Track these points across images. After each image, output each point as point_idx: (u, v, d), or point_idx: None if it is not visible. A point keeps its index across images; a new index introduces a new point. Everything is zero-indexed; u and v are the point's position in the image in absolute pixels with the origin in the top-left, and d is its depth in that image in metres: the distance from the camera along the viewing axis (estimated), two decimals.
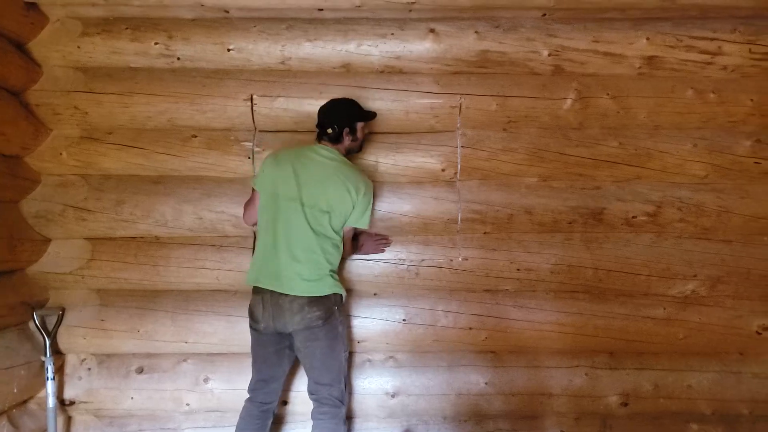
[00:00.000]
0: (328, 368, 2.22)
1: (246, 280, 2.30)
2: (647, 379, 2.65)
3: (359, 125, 2.34)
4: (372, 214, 2.36)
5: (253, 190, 2.30)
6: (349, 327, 2.58)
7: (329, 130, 2.27)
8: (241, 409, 2.29)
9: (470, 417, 2.65)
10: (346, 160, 2.31)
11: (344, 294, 2.30)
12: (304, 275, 2.17)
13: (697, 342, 2.65)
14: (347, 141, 2.31)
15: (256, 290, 2.22)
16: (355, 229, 2.37)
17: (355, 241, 2.45)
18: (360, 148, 2.43)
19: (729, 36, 2.52)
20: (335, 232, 2.24)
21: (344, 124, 2.28)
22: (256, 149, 2.55)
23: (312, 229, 2.18)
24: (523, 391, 2.64)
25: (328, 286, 2.21)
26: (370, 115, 2.39)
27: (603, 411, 2.66)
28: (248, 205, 2.35)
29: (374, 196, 2.39)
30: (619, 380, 2.65)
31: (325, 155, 2.26)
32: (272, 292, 2.17)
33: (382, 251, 2.58)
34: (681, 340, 2.64)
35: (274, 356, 2.26)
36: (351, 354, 2.62)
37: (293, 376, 2.57)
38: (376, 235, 2.57)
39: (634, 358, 2.66)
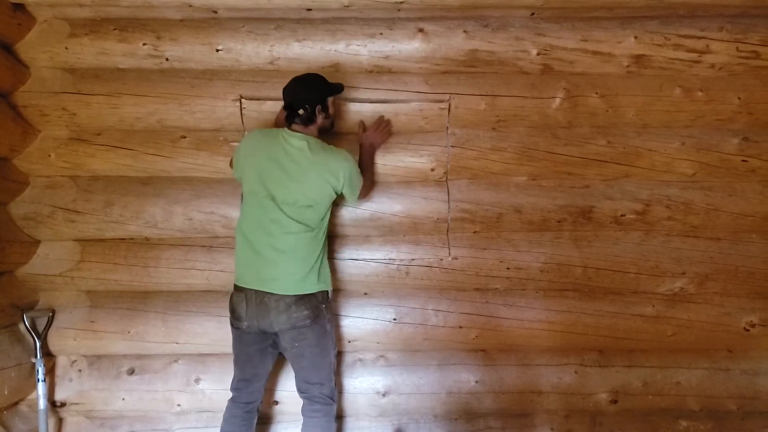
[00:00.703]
0: (318, 367, 2.20)
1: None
2: (636, 377, 2.67)
3: (329, 100, 2.23)
4: (359, 177, 2.28)
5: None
6: (337, 325, 2.57)
7: (300, 111, 2.13)
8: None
9: (461, 415, 2.66)
10: (318, 143, 2.18)
11: (330, 290, 2.26)
12: (289, 272, 2.11)
13: (685, 339, 2.66)
14: (320, 119, 2.20)
15: (239, 288, 2.16)
16: (360, 194, 2.32)
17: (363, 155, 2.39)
18: (332, 125, 2.35)
19: (716, 34, 2.53)
20: (318, 224, 2.19)
21: (315, 101, 2.15)
22: None
23: (295, 223, 2.11)
24: (513, 389, 2.65)
25: (314, 283, 2.16)
26: (338, 88, 2.28)
27: (593, 408, 2.67)
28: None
29: (356, 164, 2.28)
30: (608, 378, 2.66)
31: (298, 146, 2.13)
32: (256, 290, 2.11)
33: (390, 133, 2.51)
34: (670, 338, 2.65)
35: (258, 355, 2.21)
36: (341, 353, 2.63)
37: (281, 374, 2.58)
38: (374, 125, 2.46)
39: (624, 355, 2.68)
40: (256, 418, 2.30)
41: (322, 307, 2.18)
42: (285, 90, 2.20)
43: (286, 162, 2.12)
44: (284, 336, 2.15)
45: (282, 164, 2.12)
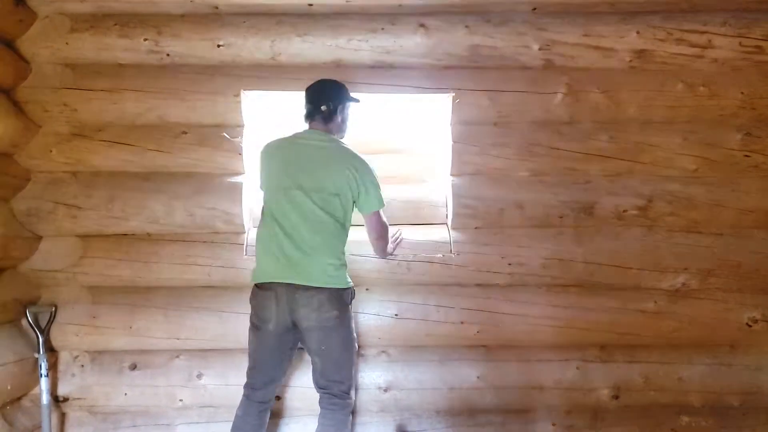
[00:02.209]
0: (340, 366, 2.17)
1: (252, 277, 2.18)
2: (638, 372, 2.66)
3: (348, 107, 2.28)
4: (380, 194, 2.21)
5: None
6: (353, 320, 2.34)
7: (323, 107, 2.19)
8: (237, 406, 2.22)
9: (462, 411, 2.66)
10: (338, 141, 2.23)
11: (354, 288, 2.23)
12: (321, 263, 2.09)
13: (687, 335, 2.66)
14: (338, 120, 2.23)
15: (265, 287, 2.11)
16: (378, 212, 2.23)
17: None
18: (344, 135, 2.32)
19: (719, 29, 2.52)
20: (344, 217, 2.16)
21: (338, 101, 2.22)
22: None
23: (325, 212, 2.10)
24: (514, 384, 2.65)
25: (344, 278, 2.15)
26: (356, 100, 2.33)
27: (594, 404, 2.67)
28: None
29: (377, 179, 2.22)
30: (610, 373, 2.66)
31: (319, 139, 2.18)
32: (288, 285, 2.06)
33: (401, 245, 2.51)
34: (672, 333, 2.65)
35: (280, 356, 2.19)
36: None
37: (289, 371, 2.57)
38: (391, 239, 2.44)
39: (625, 351, 2.68)
40: (269, 416, 2.26)
41: (348, 307, 2.17)
42: (309, 88, 2.25)
43: (311, 152, 2.16)
44: (311, 336, 2.11)
45: (307, 154, 2.15)
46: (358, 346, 2.25)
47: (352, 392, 2.23)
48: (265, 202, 2.21)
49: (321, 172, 2.12)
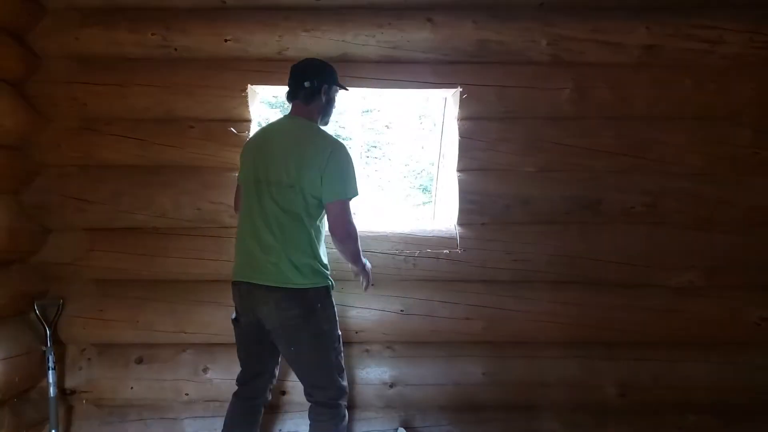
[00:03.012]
0: (319, 371, 2.06)
1: None
2: (645, 370, 2.65)
3: (335, 90, 2.16)
4: (353, 181, 2.00)
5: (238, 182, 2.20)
6: (336, 317, 2.14)
7: (306, 83, 2.04)
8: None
9: (467, 407, 2.66)
10: (314, 127, 2.06)
11: (331, 284, 2.07)
12: (277, 262, 1.95)
13: (695, 333, 2.64)
14: (322, 101, 2.09)
15: (234, 284, 2.08)
16: (342, 203, 1.98)
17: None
18: (327, 121, 2.20)
19: (729, 24, 2.50)
20: (310, 210, 1.98)
21: (323, 80, 2.08)
22: None
23: (281, 209, 1.95)
24: (520, 381, 2.65)
25: (304, 278, 1.97)
26: (344, 87, 2.21)
27: (600, 401, 2.66)
28: (235, 196, 2.29)
29: (351, 162, 2.02)
30: (616, 371, 2.65)
31: (291, 126, 2.06)
32: (246, 283, 2.00)
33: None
34: (679, 331, 2.63)
35: (259, 350, 2.12)
36: (349, 344, 2.63)
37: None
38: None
39: (632, 348, 2.66)
40: (262, 413, 2.21)
41: (316, 306, 1.99)
42: (294, 66, 2.13)
43: (280, 142, 2.02)
44: (278, 337, 2.02)
45: (275, 145, 2.01)
46: (342, 347, 2.12)
47: (342, 400, 2.09)
48: (242, 194, 2.11)
49: (283, 163, 1.95)
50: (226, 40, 2.50)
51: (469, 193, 2.59)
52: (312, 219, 2.00)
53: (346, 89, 2.25)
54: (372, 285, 2.32)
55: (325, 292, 2.05)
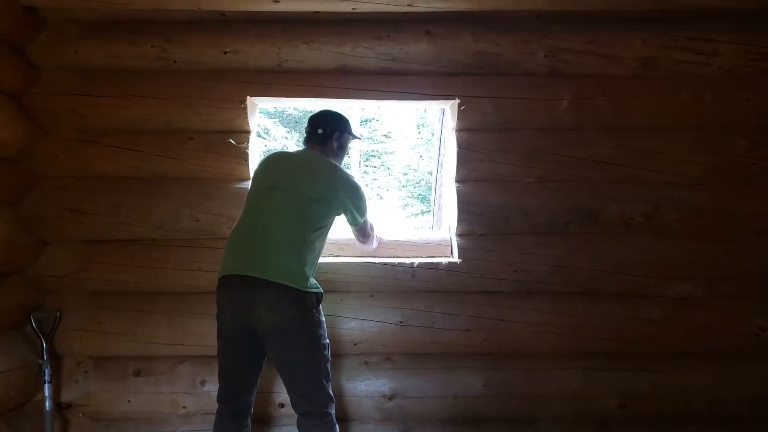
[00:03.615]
0: (309, 378, 2.04)
1: None
2: (645, 381, 2.64)
3: (346, 138, 2.38)
4: (367, 210, 2.35)
5: None
6: (324, 327, 2.15)
7: (320, 130, 2.30)
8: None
9: (467, 419, 2.64)
10: (330, 160, 2.31)
11: (322, 292, 2.12)
12: (281, 261, 1.99)
13: (695, 343, 2.64)
14: (335, 146, 2.33)
15: (222, 282, 2.05)
16: (365, 222, 2.39)
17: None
18: (340, 164, 2.37)
19: (725, 37, 2.52)
20: (319, 224, 2.14)
21: (335, 128, 2.33)
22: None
23: (296, 216, 2.09)
24: (520, 393, 2.63)
25: (305, 281, 2.02)
26: (357, 137, 2.47)
27: (600, 413, 2.65)
28: None
29: (364, 193, 2.33)
30: (616, 382, 2.64)
31: (309, 154, 2.31)
32: (240, 277, 1.98)
33: None
34: (679, 342, 2.63)
35: (241, 361, 2.08)
36: (348, 356, 2.62)
37: None
38: None
39: (632, 359, 2.65)
40: (249, 427, 2.17)
41: (312, 312, 2.03)
42: (312, 115, 2.38)
43: (300, 158, 2.29)
44: (271, 341, 2.00)
45: (297, 163, 2.27)
46: (330, 357, 2.11)
47: (331, 408, 2.07)
48: (247, 200, 2.23)
49: (306, 178, 2.17)
50: (225, 52, 2.51)
51: (468, 204, 2.59)
52: (322, 233, 2.16)
53: (359, 138, 2.45)
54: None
55: (317, 299, 2.09)
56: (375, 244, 2.58)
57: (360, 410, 2.64)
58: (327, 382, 2.08)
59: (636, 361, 2.66)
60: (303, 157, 2.30)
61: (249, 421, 2.18)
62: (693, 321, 2.62)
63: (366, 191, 2.38)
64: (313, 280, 2.10)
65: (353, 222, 2.34)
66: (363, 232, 2.43)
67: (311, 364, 2.04)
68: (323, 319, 2.12)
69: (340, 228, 2.42)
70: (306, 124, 2.38)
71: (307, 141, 2.35)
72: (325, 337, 2.10)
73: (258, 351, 2.08)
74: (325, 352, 2.09)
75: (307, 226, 2.10)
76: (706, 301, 2.63)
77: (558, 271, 2.60)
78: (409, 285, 2.60)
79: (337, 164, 2.32)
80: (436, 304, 2.62)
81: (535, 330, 2.61)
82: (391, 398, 2.64)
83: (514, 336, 2.61)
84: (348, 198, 2.23)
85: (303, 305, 2.01)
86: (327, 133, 2.30)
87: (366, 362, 2.65)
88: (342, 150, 2.39)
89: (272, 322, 1.97)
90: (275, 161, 2.31)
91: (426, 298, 2.62)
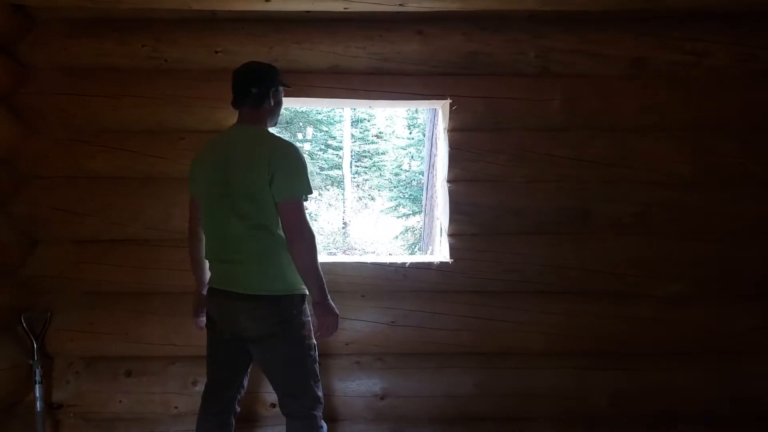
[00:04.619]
0: (293, 379, 2.00)
1: None
2: (635, 380, 2.66)
3: (281, 91, 2.09)
4: (305, 179, 1.92)
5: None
6: (311, 325, 2.05)
7: (254, 89, 1.98)
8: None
9: (458, 419, 2.65)
10: (262, 132, 2.01)
11: (304, 293, 1.98)
12: (247, 273, 1.92)
13: (684, 342, 2.65)
14: (271, 104, 2.02)
15: (209, 292, 2.05)
16: (293, 200, 1.88)
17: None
18: (276, 122, 2.13)
19: (715, 37, 2.53)
20: (273, 217, 1.91)
21: (270, 83, 2.01)
22: None
23: (244, 221, 1.90)
24: (511, 392, 2.64)
25: (279, 285, 1.93)
26: (287, 84, 2.13)
27: (590, 412, 2.66)
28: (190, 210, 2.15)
29: (301, 160, 1.95)
30: (607, 381, 2.65)
31: (240, 136, 1.99)
32: (222, 291, 1.96)
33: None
34: (668, 341, 2.64)
35: (231, 358, 2.07)
36: (340, 356, 2.63)
37: None
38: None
39: (622, 358, 2.67)
40: (233, 428, 2.13)
41: (292, 313, 1.95)
42: (237, 70, 2.05)
43: (230, 155, 1.95)
44: (255, 347, 1.99)
45: (226, 158, 1.95)
46: (318, 357, 2.05)
47: (317, 411, 2.02)
48: (202, 208, 2.06)
49: (238, 175, 1.91)
50: (216, 52, 2.51)
51: (460, 204, 2.60)
52: (278, 226, 1.93)
53: (290, 87, 2.17)
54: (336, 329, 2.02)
55: (300, 299, 1.99)
56: (307, 255, 1.90)
57: (351, 410, 2.65)
58: (315, 383, 2.02)
59: (626, 360, 2.67)
60: (233, 147, 1.96)
61: (232, 420, 2.15)
62: (682, 320, 2.64)
63: (304, 162, 1.95)
64: (290, 278, 1.95)
65: (280, 192, 1.87)
66: (294, 214, 1.88)
67: (296, 366, 1.99)
68: (307, 319, 2.01)
69: None
70: (232, 82, 2.02)
71: (239, 103, 2.01)
72: (310, 337, 2.02)
73: (244, 352, 2.05)
74: (312, 353, 2.01)
75: (265, 227, 1.92)
76: (695, 301, 2.65)
77: (549, 270, 2.61)
78: (400, 285, 2.61)
79: (269, 136, 2.01)
80: (428, 304, 2.62)
81: (525, 329, 2.62)
82: (382, 398, 2.65)
83: (505, 335, 2.62)
84: (277, 166, 1.87)
85: (282, 310, 1.94)
86: (262, 91, 1.99)
87: (357, 362, 2.66)
88: (279, 105, 2.08)
89: (255, 330, 1.94)
90: (207, 161, 2.02)
91: (417, 298, 2.63)
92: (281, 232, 1.93)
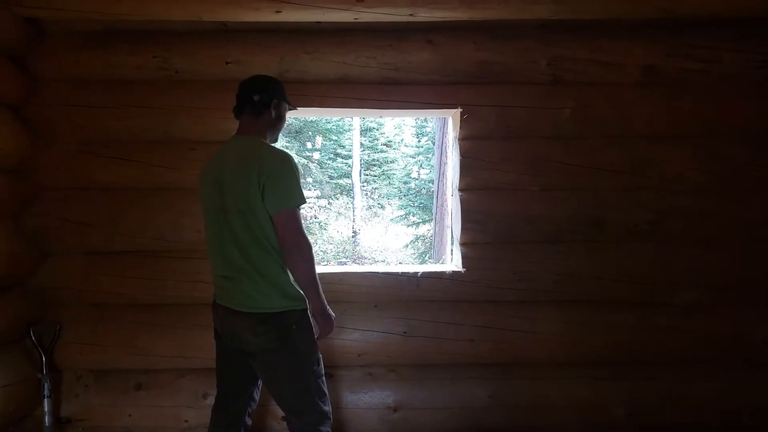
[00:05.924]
0: (296, 395, 1.96)
1: None
2: (652, 390, 2.62)
3: (285, 107, 2.06)
4: (297, 189, 1.87)
5: None
6: (315, 340, 2.00)
7: (255, 97, 1.95)
8: None
9: (473, 431, 2.61)
10: (258, 141, 1.95)
11: (305, 307, 1.94)
12: (247, 289, 1.89)
13: (702, 351, 2.62)
14: (272, 114, 1.99)
15: (214, 307, 2.05)
16: (288, 212, 1.85)
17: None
18: (277, 138, 2.09)
19: (727, 44, 2.54)
20: (265, 233, 1.87)
21: (273, 95, 1.99)
22: None
23: (242, 236, 1.87)
24: (526, 403, 2.61)
25: (279, 300, 1.89)
26: (292, 104, 2.11)
27: (608, 422, 2.62)
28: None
29: (293, 170, 1.88)
30: (623, 391, 2.62)
31: (237, 146, 1.95)
32: (224, 307, 1.96)
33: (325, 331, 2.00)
34: (686, 350, 2.61)
35: (238, 369, 2.03)
36: (352, 368, 2.59)
37: None
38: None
39: (639, 368, 2.64)
40: None
41: (292, 329, 1.90)
42: (244, 80, 2.03)
43: (228, 168, 1.92)
44: (256, 361, 1.96)
45: (223, 171, 1.92)
46: (324, 371, 2.00)
47: (324, 426, 1.96)
48: (204, 221, 2.04)
49: (235, 190, 1.87)
50: (227, 63, 2.51)
51: (472, 213, 2.58)
52: (273, 239, 1.89)
53: (295, 107, 2.16)
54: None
55: (301, 314, 1.94)
56: (304, 265, 1.88)
57: (364, 423, 2.61)
58: (320, 398, 1.97)
59: (643, 370, 2.64)
60: (235, 161, 1.91)
61: None
62: (700, 329, 2.61)
63: (297, 171, 1.88)
64: (289, 293, 1.91)
65: (274, 204, 1.83)
66: (289, 224, 1.85)
67: (298, 382, 1.95)
68: (310, 333, 1.96)
69: None
70: (237, 90, 2.00)
71: (240, 111, 1.99)
72: (313, 352, 1.97)
73: (250, 365, 2.01)
74: (315, 368, 1.96)
75: (264, 242, 1.87)
76: (712, 309, 2.62)
77: (563, 279, 2.58)
78: (413, 295, 2.58)
79: (263, 146, 1.94)
80: (441, 313, 2.60)
81: (541, 339, 2.59)
82: (396, 410, 2.61)
83: (519, 346, 2.59)
84: (268, 177, 1.82)
85: (281, 325, 1.90)
86: (264, 100, 1.96)
87: (370, 374, 2.63)
88: (280, 120, 2.04)
89: (256, 345, 1.91)
90: (208, 175, 1.99)
91: (430, 307, 2.60)
92: (277, 245, 1.89)
